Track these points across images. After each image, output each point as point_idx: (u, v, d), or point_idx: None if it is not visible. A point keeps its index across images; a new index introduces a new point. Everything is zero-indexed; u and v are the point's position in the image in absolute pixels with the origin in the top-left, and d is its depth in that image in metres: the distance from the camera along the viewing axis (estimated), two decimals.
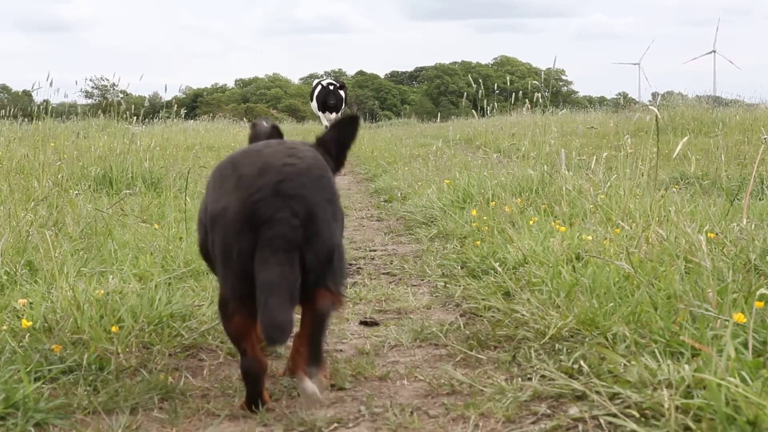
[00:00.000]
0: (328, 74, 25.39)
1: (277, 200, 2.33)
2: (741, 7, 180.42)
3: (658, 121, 5.04)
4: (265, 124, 3.02)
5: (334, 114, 24.99)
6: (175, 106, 15.42)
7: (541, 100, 9.26)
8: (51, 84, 9.24)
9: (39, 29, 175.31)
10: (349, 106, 29.67)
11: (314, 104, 25.93)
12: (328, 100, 25.10)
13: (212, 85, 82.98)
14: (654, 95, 21.91)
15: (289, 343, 2.63)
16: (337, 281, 2.48)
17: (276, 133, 2.95)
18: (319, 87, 25.82)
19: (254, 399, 2.50)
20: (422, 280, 4.43)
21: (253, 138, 2.92)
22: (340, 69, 79.04)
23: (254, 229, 2.31)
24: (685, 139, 3.66)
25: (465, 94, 11.76)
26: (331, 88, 25.39)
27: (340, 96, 25.45)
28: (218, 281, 2.54)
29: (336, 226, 2.49)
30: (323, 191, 2.44)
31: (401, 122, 35.43)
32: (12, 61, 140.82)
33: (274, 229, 2.30)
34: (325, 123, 24.99)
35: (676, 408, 2.18)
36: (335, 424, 2.41)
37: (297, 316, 2.38)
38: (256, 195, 2.34)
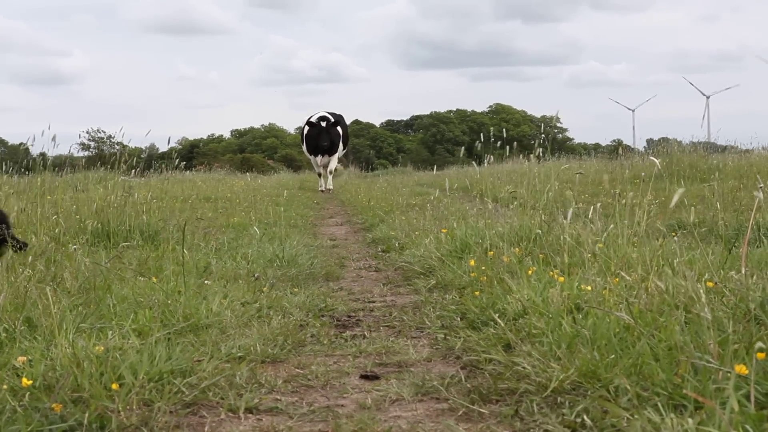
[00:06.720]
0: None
1: None
2: (733, 54, 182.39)
3: (656, 169, 5.08)
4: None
5: (327, 156, 20.18)
6: (177, 158, 15.41)
7: (541, 150, 9.30)
8: (54, 139, 9.21)
9: (37, 82, 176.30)
10: (348, 150, 24.11)
11: (305, 148, 20.76)
12: (320, 141, 19.87)
13: (208, 136, 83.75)
14: (649, 142, 22.03)
15: None
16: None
17: None
18: (307, 127, 20.45)
19: None
20: (422, 331, 4.42)
21: None
22: None
23: None
24: (681, 190, 3.68)
25: (464, 145, 11.81)
26: (323, 124, 20.03)
27: (336, 132, 20.24)
28: None
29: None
30: None
31: (397, 171, 35.48)
32: (9, 114, 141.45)
33: None
34: (319, 170, 20.63)
35: None
36: None
37: None
38: None
